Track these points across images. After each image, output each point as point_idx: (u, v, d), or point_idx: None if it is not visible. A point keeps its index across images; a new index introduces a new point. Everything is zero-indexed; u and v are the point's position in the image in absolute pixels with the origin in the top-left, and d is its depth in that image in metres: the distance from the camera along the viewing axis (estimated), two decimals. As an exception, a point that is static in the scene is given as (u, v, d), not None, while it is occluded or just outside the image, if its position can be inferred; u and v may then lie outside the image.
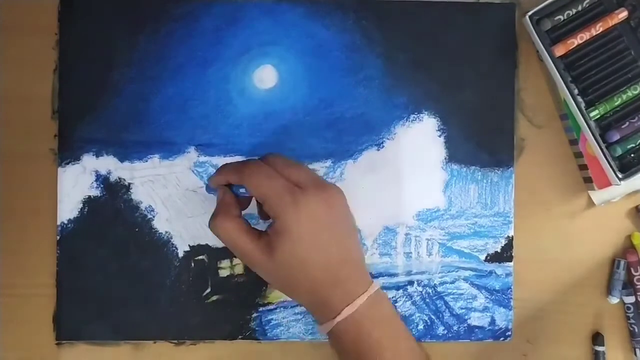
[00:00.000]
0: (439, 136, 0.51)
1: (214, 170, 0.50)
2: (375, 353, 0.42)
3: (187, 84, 0.51)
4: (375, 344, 0.43)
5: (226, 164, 0.46)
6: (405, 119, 0.51)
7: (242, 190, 0.45)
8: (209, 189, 0.47)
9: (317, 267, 0.43)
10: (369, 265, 0.51)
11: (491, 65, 0.52)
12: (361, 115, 0.51)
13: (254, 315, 0.51)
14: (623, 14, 0.48)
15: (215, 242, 0.51)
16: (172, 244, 0.51)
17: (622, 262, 0.51)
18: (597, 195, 0.52)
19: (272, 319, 0.51)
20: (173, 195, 0.51)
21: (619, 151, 0.48)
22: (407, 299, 0.51)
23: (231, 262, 0.51)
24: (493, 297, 0.51)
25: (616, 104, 0.49)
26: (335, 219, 0.43)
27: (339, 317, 0.43)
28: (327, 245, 0.43)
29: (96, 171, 0.50)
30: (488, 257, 0.52)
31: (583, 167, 0.51)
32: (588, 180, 0.51)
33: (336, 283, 0.43)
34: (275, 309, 0.51)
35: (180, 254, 0.51)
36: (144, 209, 0.50)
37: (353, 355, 0.43)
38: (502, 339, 0.52)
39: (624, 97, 0.49)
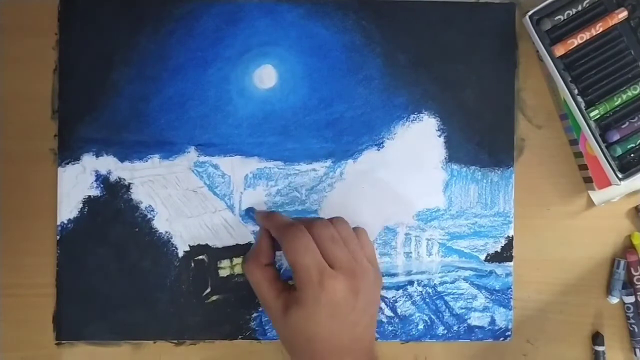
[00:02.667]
0: (439, 136, 0.51)
1: (214, 170, 0.50)
2: None
3: (187, 84, 0.51)
4: None
5: (275, 215, 0.48)
6: (405, 118, 0.51)
7: None
8: (249, 214, 0.50)
9: (323, 347, 0.43)
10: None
11: (491, 65, 0.52)
12: (361, 115, 0.51)
13: (254, 315, 0.51)
14: (623, 14, 0.48)
15: (215, 242, 0.51)
16: (172, 244, 0.51)
17: (622, 262, 0.51)
18: (597, 195, 0.52)
19: (272, 319, 0.51)
20: (173, 195, 0.51)
21: (619, 151, 0.48)
22: (407, 299, 0.51)
23: (231, 262, 0.51)
24: (493, 297, 0.51)
25: (616, 103, 0.49)
26: (355, 306, 0.44)
27: None
28: (339, 330, 0.43)
29: (96, 171, 0.50)
30: (488, 257, 0.52)
31: (583, 167, 0.51)
32: (588, 180, 0.51)
33: None
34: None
35: (180, 254, 0.51)
36: (144, 209, 0.50)
37: None
38: (502, 338, 0.52)
39: (624, 97, 0.49)
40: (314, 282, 0.43)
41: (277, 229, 0.46)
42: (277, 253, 0.49)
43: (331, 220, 0.46)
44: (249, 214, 0.50)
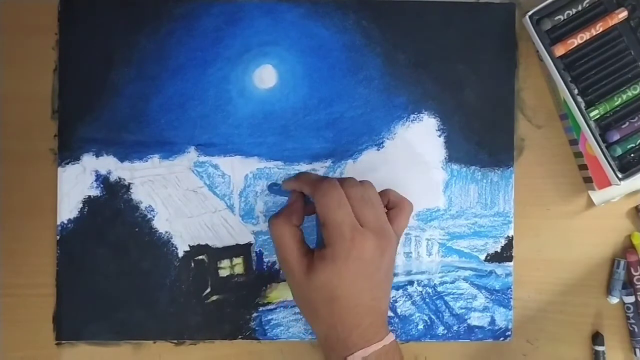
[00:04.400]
0: (439, 136, 0.51)
1: (214, 170, 0.50)
2: None
3: (187, 84, 0.51)
4: None
5: (306, 173, 0.48)
6: (405, 118, 0.51)
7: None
8: (272, 188, 0.49)
9: (344, 306, 0.43)
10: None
11: (491, 65, 0.52)
12: (361, 115, 0.51)
13: (254, 315, 0.51)
14: (623, 14, 0.48)
15: (215, 242, 0.51)
16: (172, 244, 0.51)
17: (622, 262, 0.51)
18: (597, 195, 0.52)
19: (272, 318, 0.51)
20: (173, 195, 0.51)
21: (618, 151, 0.48)
22: (407, 299, 0.51)
23: (231, 262, 0.51)
24: (493, 297, 0.51)
25: (616, 103, 0.49)
26: (380, 267, 0.44)
27: (350, 357, 0.43)
28: (362, 289, 0.43)
29: (96, 171, 0.50)
30: (488, 257, 0.52)
31: (583, 167, 0.51)
32: (588, 180, 0.51)
33: (357, 326, 0.43)
34: (275, 308, 0.51)
35: (180, 254, 0.51)
36: (144, 209, 0.50)
37: None
38: (502, 338, 0.52)
39: (624, 97, 0.49)
40: (345, 237, 0.43)
41: (310, 184, 0.46)
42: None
43: (362, 182, 0.46)
44: (272, 188, 0.50)
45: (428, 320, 0.51)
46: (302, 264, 0.44)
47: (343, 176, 0.51)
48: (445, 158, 0.51)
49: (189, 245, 0.51)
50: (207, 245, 0.51)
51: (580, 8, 0.49)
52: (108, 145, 0.50)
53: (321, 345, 0.45)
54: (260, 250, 0.51)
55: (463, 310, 0.51)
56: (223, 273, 0.51)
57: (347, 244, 0.43)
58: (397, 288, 0.51)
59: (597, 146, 0.48)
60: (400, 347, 0.46)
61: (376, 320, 0.44)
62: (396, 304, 0.51)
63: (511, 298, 0.52)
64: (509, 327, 0.52)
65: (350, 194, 0.44)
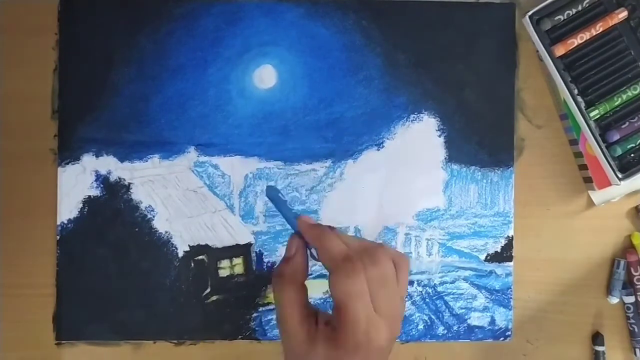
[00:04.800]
0: (439, 136, 0.51)
1: (214, 170, 0.50)
2: None
3: (187, 84, 0.51)
4: None
5: (327, 236, 0.41)
6: (405, 118, 0.51)
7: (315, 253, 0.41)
8: (270, 192, 0.43)
9: None
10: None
11: (491, 65, 0.52)
12: (361, 115, 0.51)
13: (254, 315, 0.51)
14: (623, 14, 0.48)
15: (214, 242, 0.51)
16: (172, 244, 0.51)
17: (622, 262, 0.51)
18: (597, 195, 0.52)
19: (271, 318, 0.51)
20: (173, 195, 0.51)
21: (618, 151, 0.48)
22: (407, 299, 0.51)
23: (231, 262, 0.51)
24: (493, 297, 0.51)
25: (616, 104, 0.49)
26: (388, 351, 0.41)
27: None
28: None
29: (96, 171, 0.50)
30: (488, 257, 0.52)
31: (583, 167, 0.51)
32: (588, 180, 0.51)
33: None
34: (275, 308, 0.51)
35: (180, 254, 0.51)
36: (143, 209, 0.50)
37: None
38: (502, 338, 0.52)
39: (624, 97, 0.49)
40: (360, 330, 0.39)
41: (329, 256, 0.41)
42: None
43: (376, 247, 0.41)
44: (270, 192, 0.43)
45: (428, 320, 0.51)
46: (302, 329, 0.41)
47: (343, 177, 0.51)
48: (445, 158, 0.51)
49: (188, 245, 0.51)
50: (207, 245, 0.51)
51: (580, 8, 0.49)
52: (108, 145, 0.50)
53: None
54: (260, 250, 0.51)
55: (463, 310, 0.51)
56: (223, 273, 0.51)
57: (360, 336, 0.39)
58: (397, 288, 0.51)
59: (597, 146, 0.48)
60: None
61: None
62: (396, 304, 0.51)
63: (511, 298, 0.52)
64: (509, 327, 0.52)
65: (369, 276, 0.40)
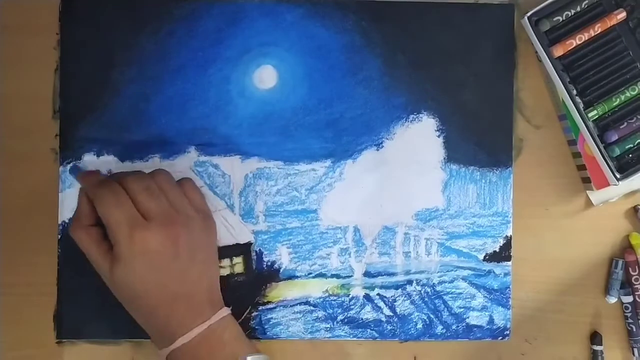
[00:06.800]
0: (438, 136, 0.52)
1: (215, 170, 0.51)
2: None
3: (188, 84, 0.51)
4: None
5: (90, 174, 0.48)
6: (404, 119, 0.52)
7: None
8: (74, 171, 0.49)
9: (150, 298, 0.44)
10: (369, 265, 0.51)
11: (490, 65, 0.52)
12: (360, 116, 0.51)
13: (254, 314, 0.51)
14: (622, 15, 0.48)
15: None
16: (173, 243, 0.51)
17: (620, 262, 0.52)
18: (596, 196, 0.52)
19: (271, 317, 0.51)
20: (173, 195, 0.51)
21: (617, 151, 0.48)
22: (405, 298, 0.51)
23: (231, 261, 0.51)
24: (491, 296, 0.52)
25: (614, 104, 0.49)
26: (177, 255, 0.44)
27: (173, 345, 0.44)
28: (161, 282, 0.44)
29: (97, 171, 0.50)
30: (487, 257, 0.52)
31: (581, 168, 0.51)
32: (586, 180, 0.51)
33: (171, 315, 0.44)
34: (275, 307, 0.51)
35: (181, 253, 0.51)
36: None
37: None
38: (500, 338, 0.52)
39: (623, 97, 0.49)
40: (124, 235, 0.43)
41: (90, 187, 0.46)
42: None
43: (152, 172, 0.46)
44: (74, 173, 0.50)
45: (427, 320, 0.52)
46: (105, 263, 0.45)
47: (343, 177, 0.51)
48: (444, 158, 0.52)
49: (189, 245, 0.51)
50: (207, 244, 0.51)
51: (579, 9, 0.49)
52: (109, 144, 0.50)
53: (151, 339, 0.46)
54: (260, 249, 0.51)
55: (462, 309, 0.52)
56: (223, 272, 0.51)
57: (127, 242, 0.43)
58: (396, 287, 0.51)
59: (596, 146, 0.49)
60: (235, 320, 0.47)
61: (194, 304, 0.45)
62: (395, 303, 0.51)
63: (509, 297, 0.52)
64: (508, 326, 0.52)
65: (131, 189, 0.44)
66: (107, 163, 0.50)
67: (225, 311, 0.46)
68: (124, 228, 0.43)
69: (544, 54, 0.49)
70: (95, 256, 0.45)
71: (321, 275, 0.51)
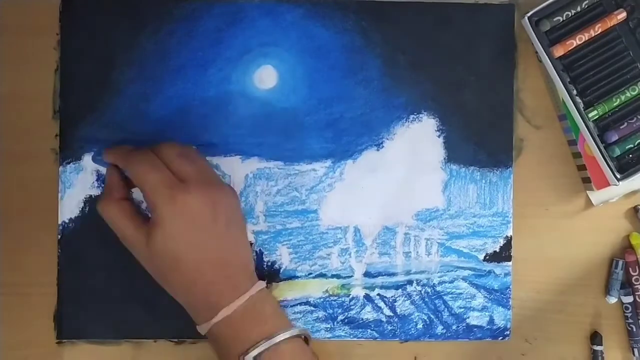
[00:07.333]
0: (438, 136, 0.52)
1: (215, 170, 0.51)
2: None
3: (188, 84, 0.51)
4: (253, 344, 0.42)
5: (120, 147, 0.47)
6: (404, 119, 0.52)
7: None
8: (96, 158, 0.49)
9: (190, 266, 0.42)
10: (369, 265, 0.51)
11: (490, 66, 0.52)
12: (361, 116, 0.51)
13: (254, 314, 0.51)
14: (622, 15, 0.48)
15: (215, 241, 0.51)
16: (173, 243, 0.51)
17: (621, 262, 0.52)
18: (596, 196, 0.52)
19: (271, 318, 0.51)
20: (173, 195, 0.51)
21: (617, 152, 0.48)
22: (406, 298, 0.51)
23: (231, 261, 0.51)
24: (492, 296, 0.52)
25: (615, 104, 0.49)
26: (216, 219, 0.43)
27: (215, 318, 0.42)
28: (202, 245, 0.43)
29: (97, 171, 0.51)
30: (487, 257, 0.52)
31: (581, 168, 0.51)
32: (586, 180, 0.51)
33: (212, 284, 0.43)
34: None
35: (181, 253, 0.51)
36: (144, 208, 0.51)
37: (232, 356, 0.43)
38: (500, 338, 0.52)
39: (623, 97, 0.49)
40: (164, 196, 0.42)
41: (122, 157, 0.45)
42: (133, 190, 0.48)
43: (180, 144, 0.46)
44: (96, 158, 0.49)
45: (427, 320, 0.52)
46: (140, 235, 0.43)
47: (343, 177, 0.51)
48: (445, 158, 0.52)
49: (189, 245, 0.51)
50: (207, 244, 0.51)
51: (579, 9, 0.49)
52: (109, 145, 0.50)
53: (190, 314, 0.45)
54: (260, 250, 0.51)
55: (462, 309, 0.52)
56: (223, 272, 0.51)
57: (167, 203, 0.42)
58: (396, 287, 0.51)
59: (596, 147, 0.49)
60: (272, 294, 0.47)
61: (231, 274, 0.43)
62: (395, 304, 0.51)
63: (510, 298, 0.52)
64: (508, 326, 0.52)
65: (164, 155, 0.44)
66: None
67: (262, 284, 0.45)
68: (163, 189, 0.42)
69: (544, 54, 0.49)
70: (129, 230, 0.44)
71: (321, 275, 0.51)
